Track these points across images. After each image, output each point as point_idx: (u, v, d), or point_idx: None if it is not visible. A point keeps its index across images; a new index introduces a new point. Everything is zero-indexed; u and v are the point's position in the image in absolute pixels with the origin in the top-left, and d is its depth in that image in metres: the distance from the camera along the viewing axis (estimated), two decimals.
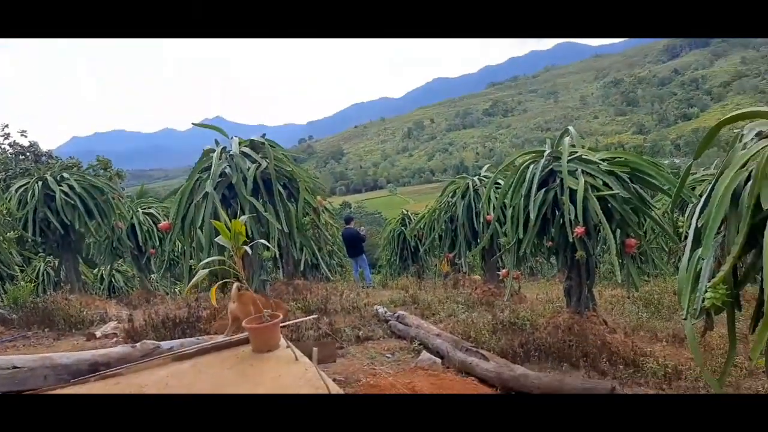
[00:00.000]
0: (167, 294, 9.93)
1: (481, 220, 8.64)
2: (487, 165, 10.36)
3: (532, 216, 5.33)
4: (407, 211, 14.19)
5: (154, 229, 11.67)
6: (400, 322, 5.56)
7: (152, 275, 11.90)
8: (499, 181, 8.05)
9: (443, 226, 9.39)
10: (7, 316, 7.05)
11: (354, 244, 11.84)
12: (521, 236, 5.65)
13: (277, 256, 8.72)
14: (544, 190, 5.49)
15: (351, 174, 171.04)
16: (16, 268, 9.99)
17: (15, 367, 3.83)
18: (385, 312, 6.05)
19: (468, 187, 9.09)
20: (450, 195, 9.50)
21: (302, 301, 6.45)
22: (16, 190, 9.62)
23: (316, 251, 7.42)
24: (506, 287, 6.80)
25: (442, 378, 3.93)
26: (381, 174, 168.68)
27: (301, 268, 9.15)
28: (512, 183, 5.89)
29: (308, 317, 4.75)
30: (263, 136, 7.31)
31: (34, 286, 10.00)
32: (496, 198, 8.25)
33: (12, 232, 8.77)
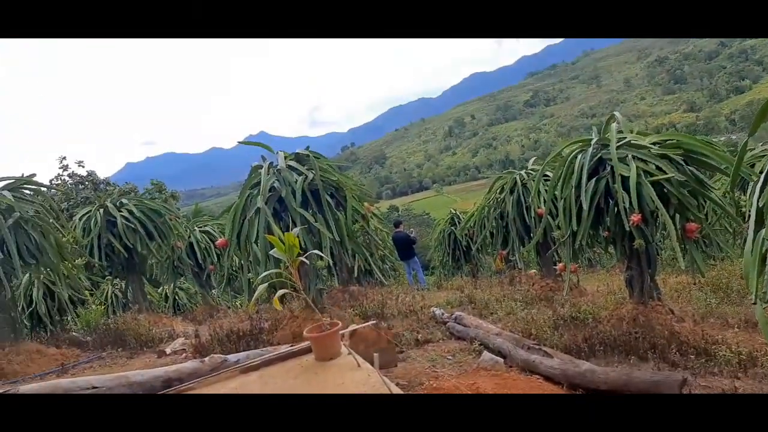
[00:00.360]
0: (229, 308, 10.24)
1: (533, 214, 8.50)
2: (534, 158, 10.19)
3: (585, 206, 5.22)
4: (455, 210, 14.11)
5: (212, 247, 12.07)
6: (459, 323, 5.54)
7: (213, 291, 12.30)
8: (548, 173, 7.90)
9: (494, 223, 9.29)
10: (81, 338, 7.44)
11: (405, 247, 11.86)
12: (575, 228, 5.53)
13: (331, 264, 8.86)
14: (594, 179, 5.37)
15: (395, 177, 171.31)
16: (86, 292, 10.54)
17: (94, 387, 4.06)
18: (443, 314, 6.05)
19: (516, 182, 8.97)
20: (498, 191, 9.40)
21: (359, 307, 6.53)
22: (80, 219, 10.15)
23: (368, 257, 7.49)
24: (564, 281, 6.67)
25: (505, 378, 3.90)
26: (425, 175, 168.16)
27: (355, 275, 9.26)
28: (561, 174, 5.79)
29: (366, 324, 4.81)
30: (307, 148, 7.46)
31: (104, 308, 10.52)
32: (545, 191, 8.10)
33: (79, 259, 9.25)
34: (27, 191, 7.22)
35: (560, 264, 6.95)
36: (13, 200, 6.62)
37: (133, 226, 9.81)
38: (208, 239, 12.26)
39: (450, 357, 4.64)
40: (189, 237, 11.76)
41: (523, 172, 9.13)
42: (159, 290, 13.84)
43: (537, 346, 4.40)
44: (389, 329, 5.46)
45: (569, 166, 5.67)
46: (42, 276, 9.26)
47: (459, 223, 13.04)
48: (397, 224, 13.09)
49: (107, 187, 21.28)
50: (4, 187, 6.89)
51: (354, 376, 3.44)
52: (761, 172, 2.96)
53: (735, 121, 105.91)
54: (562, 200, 5.79)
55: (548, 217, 7.39)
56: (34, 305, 9.68)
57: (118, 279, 11.26)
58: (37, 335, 8.68)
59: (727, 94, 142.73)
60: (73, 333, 8.08)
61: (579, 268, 7.27)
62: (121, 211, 9.96)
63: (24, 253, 6.60)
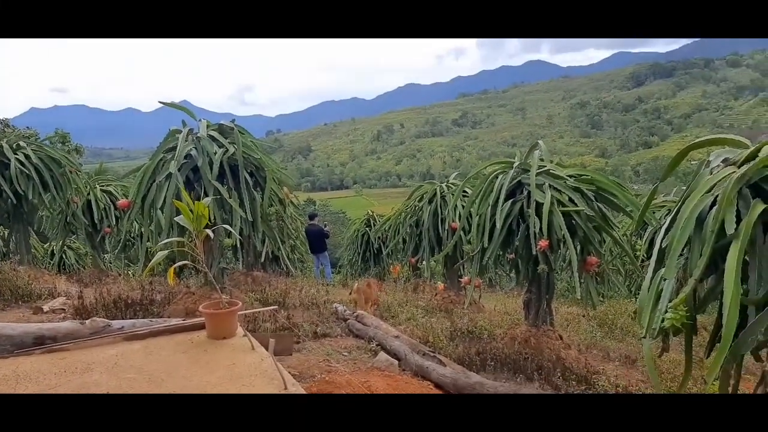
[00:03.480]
0: (120, 275, 9.62)
1: (446, 226, 8.70)
2: (455, 173, 10.45)
3: (498, 225, 5.39)
4: (372, 212, 14.17)
5: (112, 208, 11.31)
6: (359, 321, 5.52)
7: (106, 255, 11.53)
8: (467, 189, 8.14)
9: (408, 230, 9.41)
10: None
11: (317, 241, 11.75)
12: (486, 245, 5.70)
13: (238, 245, 8.58)
14: (511, 201, 5.57)
15: (318, 171, 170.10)
16: None
17: None
18: (345, 310, 6.01)
19: (435, 193, 9.15)
20: (417, 199, 9.54)
21: (261, 293, 6.34)
22: None
23: (279, 243, 7.31)
24: (467, 295, 6.85)
25: (397, 380, 3.92)
26: (348, 174, 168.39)
27: (262, 260, 9.02)
28: (480, 192, 5.95)
29: (267, 308, 4.67)
30: (233, 121, 7.19)
31: None
32: (462, 206, 8.35)
33: None
34: None
35: (465, 277, 7.14)
36: None
37: (27, 171, 8.98)
38: (108, 200, 11.47)
39: (346, 353, 4.60)
40: (88, 194, 10.96)
41: (444, 185, 9.33)
42: (46, 246, 12.79)
43: (432, 353, 4.46)
44: (288, 318, 5.35)
45: (489, 185, 5.84)
46: None
47: (374, 225, 13.11)
48: (312, 216, 12.93)
49: (6, 129, 19.45)
50: None
51: (246, 358, 3.31)
52: (666, 217, 3.17)
53: (639, 172, 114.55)
54: (478, 217, 5.95)
55: (461, 231, 7.58)
56: None
57: (1, 226, 10.28)
58: None
59: (636, 146, 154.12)
60: None
61: (481, 286, 7.50)
62: (17, 154, 9.09)
63: None
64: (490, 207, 5.61)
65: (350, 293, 7.20)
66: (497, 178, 5.78)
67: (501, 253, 5.83)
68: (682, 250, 2.79)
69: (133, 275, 9.40)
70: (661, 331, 2.76)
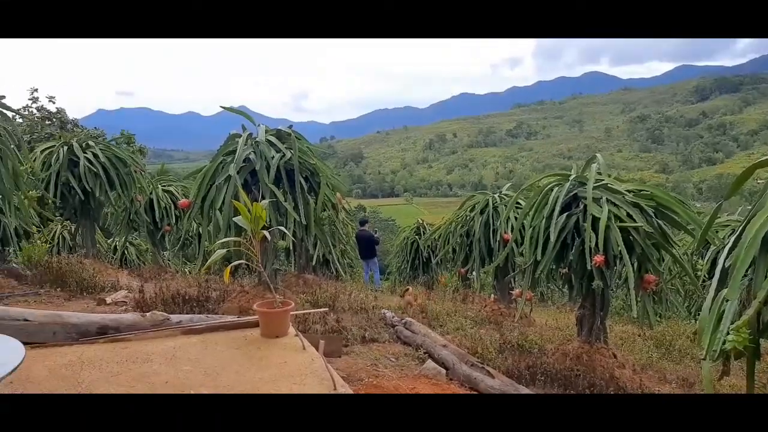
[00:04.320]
0: (178, 271, 9.99)
1: (498, 238, 8.60)
2: (508, 184, 10.33)
3: (552, 238, 5.29)
4: (422, 220, 14.17)
5: (172, 207, 11.78)
6: (407, 329, 5.53)
7: (165, 252, 12.00)
8: (520, 201, 8.03)
9: (459, 240, 9.36)
10: (20, 272, 7.14)
11: (367, 247, 11.83)
12: (539, 258, 5.61)
13: (291, 248, 8.74)
14: (566, 214, 5.45)
15: (369, 178, 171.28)
16: (34, 227, 10.13)
17: (26, 320, 3.89)
18: (393, 317, 6.03)
19: (488, 204, 9.07)
20: (469, 209, 9.48)
21: (311, 295, 6.45)
22: (42, 152, 9.76)
23: (331, 248, 7.42)
24: (517, 308, 6.75)
25: (444, 388, 3.90)
26: (398, 182, 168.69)
27: (313, 263, 9.16)
28: (535, 204, 5.86)
29: (318, 310, 4.75)
30: (290, 127, 7.36)
31: (49, 247, 10.12)
32: (515, 217, 8.24)
33: (34, 191, 8.87)
34: None
35: (517, 290, 7.02)
36: None
37: (95, 170, 9.47)
38: (169, 199, 11.96)
39: (393, 359, 4.62)
40: (151, 193, 11.45)
41: (496, 196, 9.24)
42: (109, 241, 13.43)
43: (480, 365, 4.42)
44: (338, 321, 5.41)
45: (544, 197, 5.74)
46: None
47: (424, 233, 13.10)
48: (362, 222, 13.04)
49: (74, 128, 20.57)
50: None
51: (297, 357, 3.38)
52: (731, 235, 3.04)
53: (702, 190, 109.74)
54: (531, 229, 5.86)
55: (513, 243, 7.48)
56: None
57: (69, 221, 10.86)
58: None
59: (699, 162, 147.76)
60: (13, 264, 7.73)
61: (533, 299, 7.37)
62: (86, 153, 9.61)
63: None
64: (544, 219, 5.51)
65: (402, 295, 7.29)
66: (552, 190, 5.68)
67: (554, 266, 5.72)
68: (746, 271, 2.67)
69: (190, 272, 9.73)
70: (722, 353, 2.65)
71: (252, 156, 6.51)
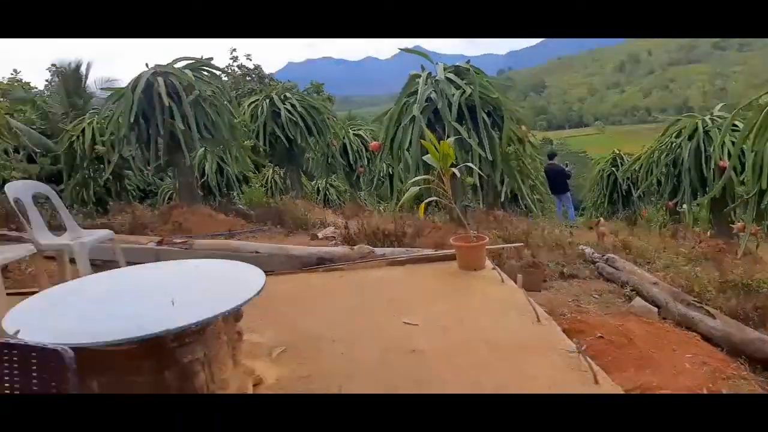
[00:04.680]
0: (374, 210, 10.67)
1: (712, 165, 7.59)
2: (720, 104, 8.94)
3: None
4: (619, 150, 13.04)
5: (363, 150, 12.51)
6: (610, 265, 5.22)
7: (360, 192, 12.87)
8: (737, 123, 6.97)
9: (663, 170, 8.47)
10: (246, 211, 8.22)
11: (558, 181, 11.30)
12: (764, 186, 4.87)
13: (478, 184, 8.71)
14: None
15: (553, 108, 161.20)
16: (251, 173, 11.57)
17: (257, 252, 4.50)
18: (592, 253, 5.73)
19: (697, 128, 7.99)
20: (674, 135, 8.46)
21: (503, 231, 6.40)
22: (248, 105, 10.96)
23: (520, 183, 7.24)
24: (740, 244, 5.95)
25: (658, 327, 3.63)
26: (587, 110, 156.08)
27: (501, 200, 9.07)
28: (755, 125, 5.02)
29: (512, 245, 4.71)
30: (468, 62, 7.19)
31: (264, 190, 11.50)
32: (732, 142, 7.18)
33: (247, 141, 10.06)
34: (205, 72, 7.82)
35: (739, 223, 6.20)
36: (193, 79, 7.23)
37: (294, 119, 10.40)
38: (360, 142, 12.69)
39: (597, 296, 4.42)
40: (343, 138, 12.25)
41: (707, 118, 8.09)
42: (312, 183, 14.76)
43: (698, 304, 4.02)
44: (533, 256, 5.31)
45: (766, 118, 4.87)
46: (214, 152, 10.28)
47: (622, 165, 12.09)
48: (551, 156, 12.44)
49: (270, 82, 22.57)
50: (185, 66, 7.53)
51: (496, 289, 3.42)
52: None
53: None
54: (753, 154, 5.09)
55: (732, 171, 6.55)
56: (205, 177, 10.84)
57: (278, 166, 12.14)
58: (206, 203, 9.72)
59: None
60: (239, 205, 8.94)
61: (758, 234, 6.42)
62: (285, 104, 10.56)
63: (201, 128, 7.26)
64: None
65: (591, 228, 6.89)
66: None
67: None
68: None
69: (384, 210, 10.28)
70: None
71: (433, 95, 6.54)
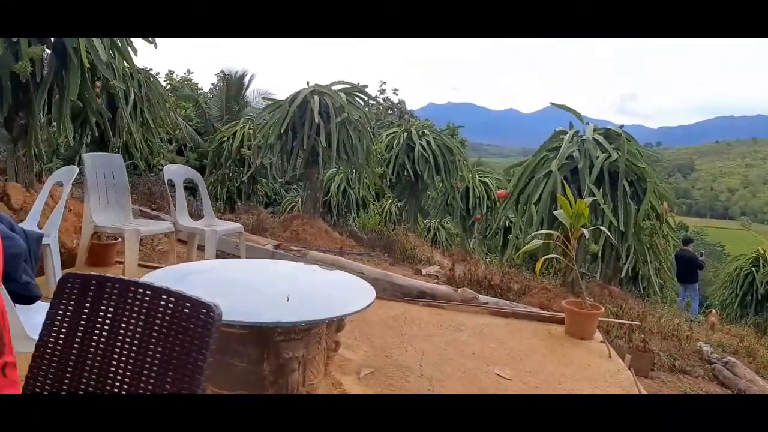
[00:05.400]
0: (481, 259, 10.56)
1: None
2: None
3: None
4: (764, 250, 11.80)
5: (485, 198, 12.46)
6: (729, 369, 4.72)
7: (471, 239, 12.78)
8: None
9: None
10: (359, 234, 8.51)
11: (689, 269, 10.43)
12: None
13: (599, 255, 8.32)
14: None
15: (698, 194, 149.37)
16: (371, 199, 11.98)
17: (363, 274, 4.63)
18: (711, 352, 5.22)
19: None
20: None
21: (618, 308, 6.05)
22: (387, 135, 11.42)
23: (647, 262, 6.82)
24: None
25: None
26: (736, 202, 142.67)
27: (621, 275, 8.55)
28: None
29: (629, 322, 4.45)
30: (621, 127, 6.97)
31: (380, 218, 11.83)
32: None
33: (379, 168, 10.46)
34: (357, 98, 8.29)
35: None
36: (345, 102, 7.68)
37: (426, 156, 10.66)
38: (483, 189, 12.66)
39: None
40: (468, 182, 12.30)
41: None
42: (425, 221, 14.93)
43: None
44: (644, 341, 4.96)
45: None
46: (343, 174, 10.80)
47: (764, 267, 10.94)
48: (686, 242, 11.53)
49: (410, 118, 23.33)
50: (341, 90, 8.03)
51: (602, 363, 3.25)
52: None
53: None
54: None
55: None
56: (329, 195, 11.39)
57: (398, 198, 12.45)
58: (324, 219, 10.20)
59: None
60: (353, 227, 9.27)
61: None
62: (421, 140, 10.87)
63: (341, 148, 7.68)
64: None
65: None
66: None
67: None
68: None
69: (491, 262, 10.13)
70: None
71: (576, 154, 6.39)
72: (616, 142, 6.46)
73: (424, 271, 6.52)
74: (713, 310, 6.97)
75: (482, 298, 4.48)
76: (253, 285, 2.57)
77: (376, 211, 12.68)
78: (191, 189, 7.05)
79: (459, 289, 4.57)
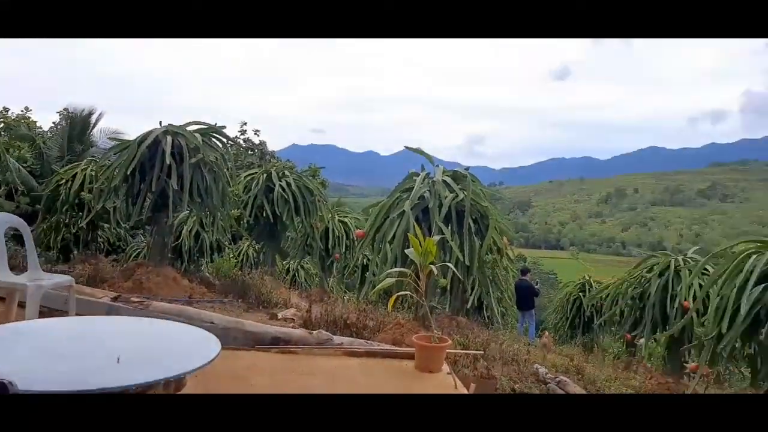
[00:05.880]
0: (339, 297, 10.64)
1: (676, 304, 7.80)
2: (694, 248, 9.34)
3: (743, 311, 4.69)
4: (589, 277, 13.35)
5: (344, 237, 12.64)
6: (561, 388, 5.24)
7: (330, 278, 12.85)
8: (708, 267, 7.26)
9: (629, 302, 8.65)
10: (211, 280, 8.16)
11: (526, 297, 11.46)
12: (723, 331, 5.02)
13: (448, 288, 8.81)
14: (762, 286, 4.81)
15: (534, 228, 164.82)
16: (226, 243, 11.59)
17: (212, 323, 4.45)
18: (546, 373, 5.75)
19: (669, 266, 8.27)
20: (645, 270, 8.74)
21: (464, 338, 6.43)
22: (245, 177, 11.20)
23: (489, 292, 7.36)
24: (689, 384, 6.03)
25: None
26: (566, 234, 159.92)
27: (468, 306, 9.13)
28: (726, 271, 5.26)
29: (473, 351, 4.73)
30: (467, 169, 7.54)
31: (236, 262, 11.45)
32: (700, 285, 7.42)
33: (235, 210, 10.17)
34: (214, 139, 8.07)
35: (693, 364, 6.31)
36: (201, 143, 7.42)
37: (286, 196, 10.58)
38: (342, 229, 12.84)
39: None
40: (328, 222, 12.41)
41: (680, 258, 8.42)
42: (284, 262, 14.73)
43: None
44: (488, 369, 5.32)
45: (738, 265, 5.13)
46: (196, 217, 10.35)
47: (589, 291, 12.33)
48: (524, 272, 12.69)
49: (272, 159, 23.11)
50: (196, 130, 7.77)
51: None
52: None
53: None
54: (718, 298, 5.28)
55: (694, 312, 6.76)
56: (180, 240, 10.81)
57: (255, 240, 12.18)
58: (172, 265, 9.64)
59: None
60: (206, 273, 8.87)
61: (710, 377, 6.51)
62: (281, 181, 10.80)
63: (194, 190, 7.37)
64: (735, 290, 4.92)
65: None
66: (749, 258, 5.05)
67: (739, 343, 5.05)
68: None
69: (349, 300, 10.25)
70: None
71: (426, 194, 6.75)
72: (462, 183, 6.96)
73: (280, 315, 6.41)
74: (546, 332, 7.69)
75: (337, 339, 4.51)
76: (80, 346, 2.35)
77: (232, 255, 12.27)
78: (19, 237, 6.31)
79: (314, 332, 4.56)
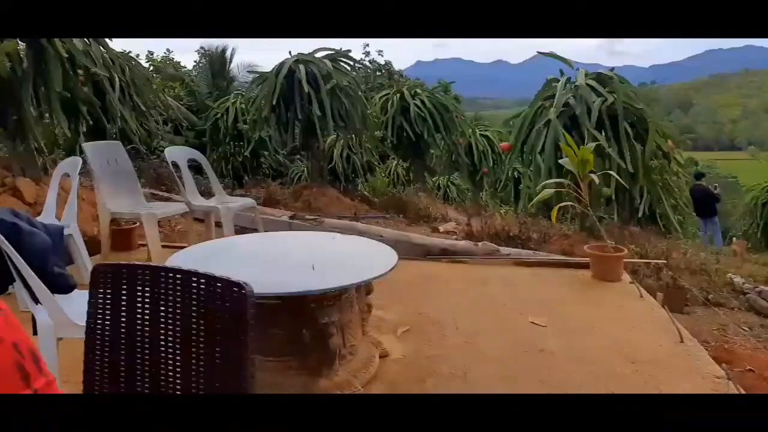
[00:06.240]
0: (496, 212, 10.49)
1: None
2: None
3: None
4: None
5: (489, 151, 12.31)
6: (762, 298, 4.70)
7: (482, 192, 12.70)
8: None
9: None
10: (370, 198, 8.44)
11: (705, 203, 10.34)
12: None
13: (613, 198, 8.24)
14: None
15: (701, 129, 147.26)
16: (376, 163, 11.86)
17: (381, 237, 4.58)
18: (743, 283, 5.19)
19: None
20: None
21: (641, 248, 6.00)
22: (379, 98, 11.20)
23: (663, 199, 6.73)
24: None
25: None
26: (740, 133, 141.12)
27: (639, 215, 8.49)
28: None
29: (655, 261, 4.39)
30: (612, 70, 6.82)
31: (388, 180, 11.73)
32: None
33: (377, 132, 10.29)
34: (343, 63, 8.09)
35: None
36: (332, 69, 7.49)
37: (423, 115, 10.46)
38: (486, 143, 12.49)
39: (746, 329, 3.98)
40: (470, 137, 12.13)
41: None
42: (434, 179, 14.79)
43: None
44: (674, 278, 4.92)
45: None
46: (343, 140, 10.66)
47: None
48: (698, 177, 11.42)
49: (400, 78, 22.86)
50: (324, 56, 7.83)
51: (634, 303, 3.21)
52: None
53: None
54: None
55: None
56: (333, 162, 11.26)
57: (402, 159, 12.32)
58: (333, 187, 10.10)
59: None
60: (364, 192, 9.18)
61: None
62: (415, 100, 10.66)
63: (336, 115, 7.54)
64: None
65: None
66: None
67: None
68: None
69: (506, 214, 10.05)
70: None
71: (572, 100, 6.26)
72: (610, 86, 6.34)
73: (441, 229, 6.47)
74: (735, 240, 6.91)
75: (504, 249, 4.42)
76: (277, 257, 2.53)
77: (383, 174, 12.56)
78: (196, 167, 7.00)
79: (479, 243, 4.51)
